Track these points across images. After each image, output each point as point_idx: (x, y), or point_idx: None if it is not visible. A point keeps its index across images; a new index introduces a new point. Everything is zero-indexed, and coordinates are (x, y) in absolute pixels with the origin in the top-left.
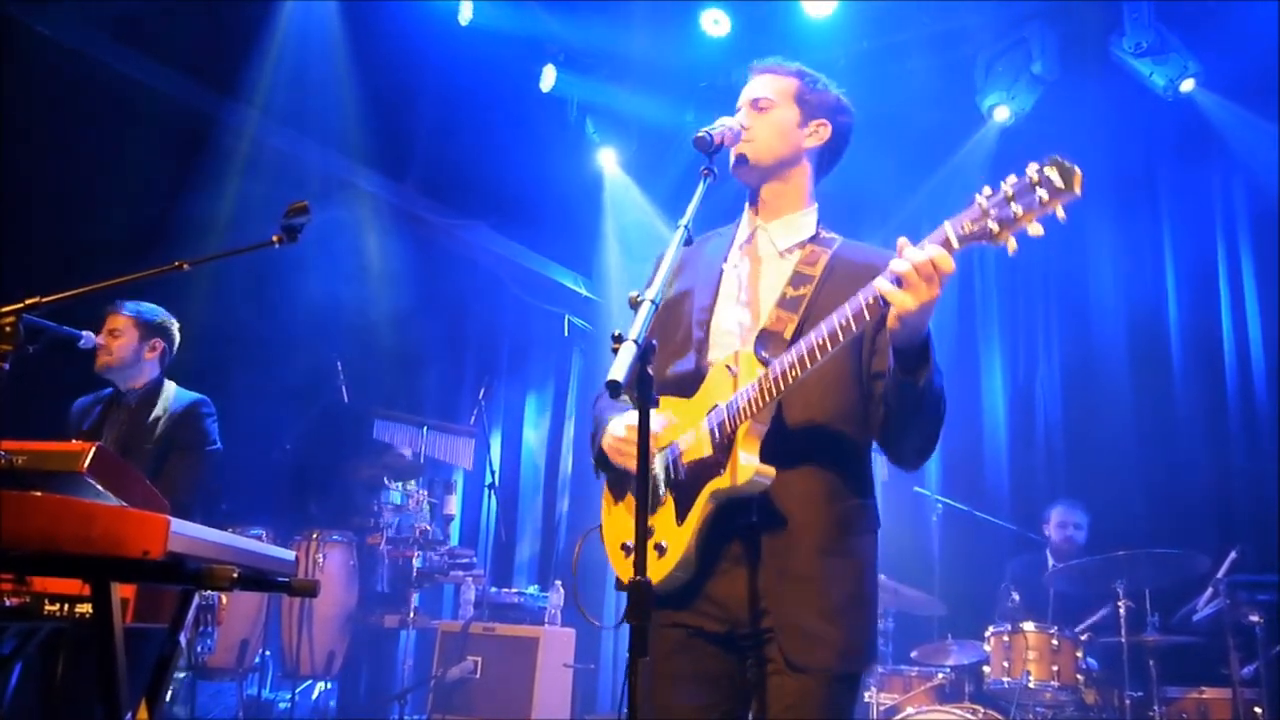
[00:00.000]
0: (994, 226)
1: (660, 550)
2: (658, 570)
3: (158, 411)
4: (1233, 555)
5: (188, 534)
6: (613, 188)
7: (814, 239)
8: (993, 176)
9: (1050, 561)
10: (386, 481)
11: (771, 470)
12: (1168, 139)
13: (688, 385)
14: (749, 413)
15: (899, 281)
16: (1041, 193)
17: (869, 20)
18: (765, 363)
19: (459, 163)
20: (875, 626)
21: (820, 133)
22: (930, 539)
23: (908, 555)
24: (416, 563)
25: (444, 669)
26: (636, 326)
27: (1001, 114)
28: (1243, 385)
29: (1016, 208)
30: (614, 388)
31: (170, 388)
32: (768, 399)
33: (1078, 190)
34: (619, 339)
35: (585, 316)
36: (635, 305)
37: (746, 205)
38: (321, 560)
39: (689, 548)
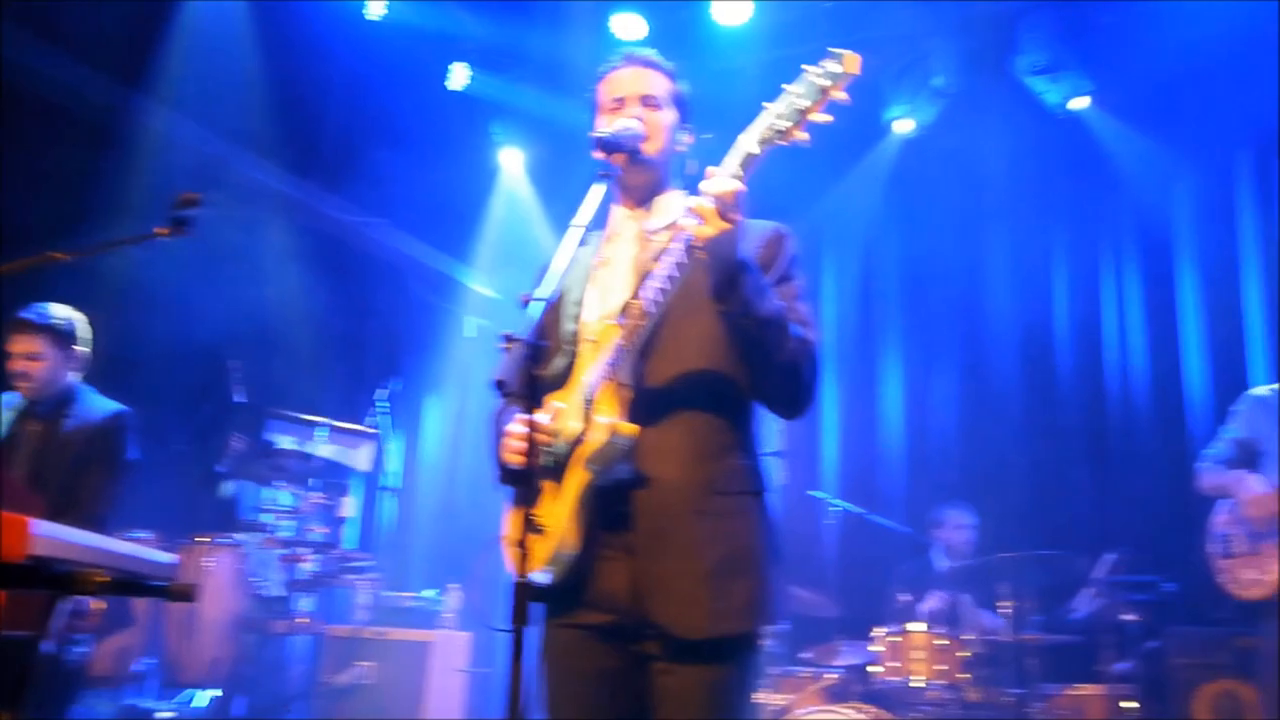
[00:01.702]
0: (785, 124)
1: (539, 530)
2: (541, 551)
3: (74, 421)
4: (1111, 557)
5: (53, 536)
6: (518, 188)
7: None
8: (894, 186)
9: (939, 563)
10: (279, 483)
11: (631, 427)
12: (1062, 155)
13: (566, 378)
14: (608, 373)
15: (699, 216)
16: (821, 80)
17: (779, 29)
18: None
19: (365, 159)
20: (764, 591)
21: (687, 139)
22: (825, 542)
23: (802, 558)
24: (309, 566)
25: (333, 675)
26: (525, 327)
27: (903, 126)
28: (1124, 397)
29: (802, 101)
30: (500, 388)
31: (85, 394)
32: (622, 356)
33: (852, 69)
34: (508, 340)
35: (490, 317)
36: (526, 305)
37: (618, 199)
38: (208, 564)
39: (568, 523)
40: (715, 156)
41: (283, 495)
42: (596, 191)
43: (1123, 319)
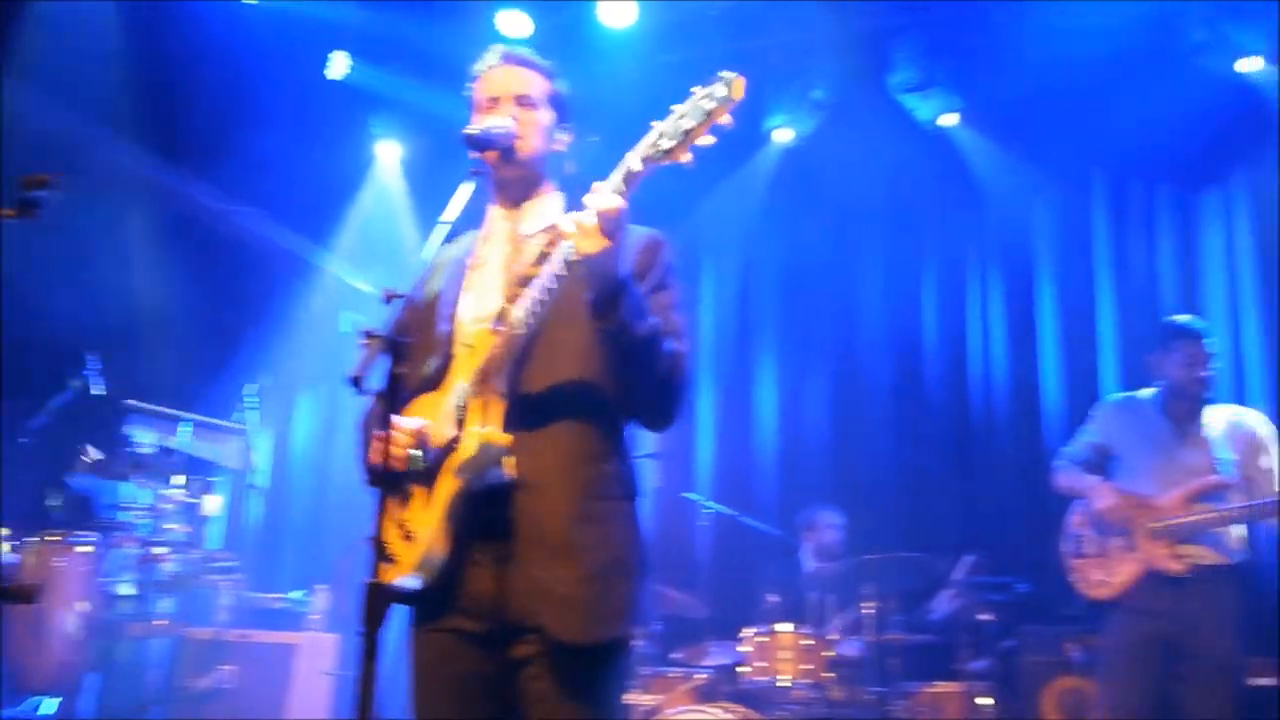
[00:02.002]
0: (670, 144)
1: (409, 538)
2: (410, 556)
3: None
4: (970, 559)
5: None
6: (392, 182)
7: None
8: (773, 194)
9: (807, 564)
10: (138, 479)
11: (504, 437)
12: (933, 170)
13: (438, 381)
14: (482, 381)
15: (581, 231)
16: (708, 103)
17: (665, 33)
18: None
19: (237, 145)
20: (638, 594)
21: (565, 139)
22: (697, 543)
23: (676, 559)
24: (169, 566)
25: (193, 678)
26: (385, 323)
27: (783, 136)
28: (986, 405)
29: (688, 122)
30: (355, 384)
31: None
32: (498, 365)
33: (738, 95)
34: (368, 336)
35: (365, 312)
36: (389, 301)
37: (494, 200)
38: (58, 563)
39: (436, 529)
40: (601, 159)
41: (142, 492)
42: (466, 190)
43: (986, 330)
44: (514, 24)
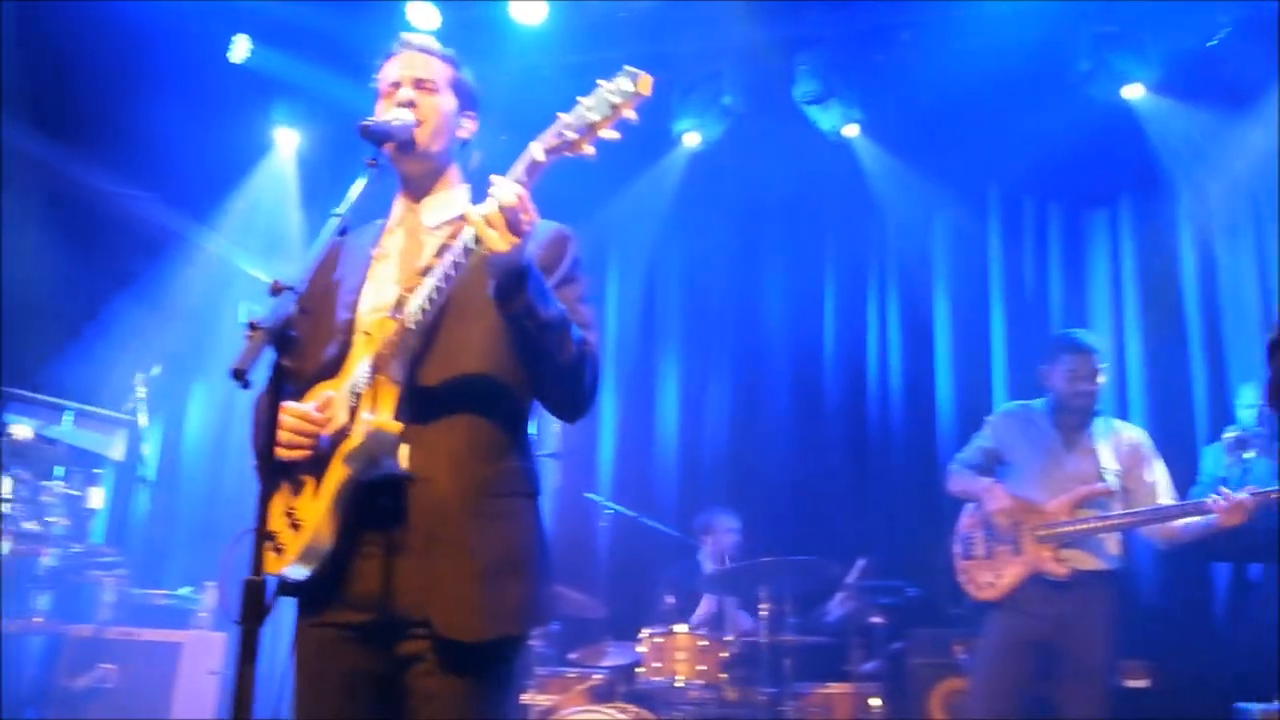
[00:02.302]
0: (574, 135)
1: (296, 527)
2: (294, 545)
3: None
4: (861, 562)
5: None
6: (288, 170)
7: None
8: (680, 197)
9: (704, 566)
10: (16, 470)
11: (395, 425)
12: (836, 180)
13: (335, 369)
14: (377, 369)
15: (488, 224)
16: (613, 97)
17: (576, 33)
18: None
19: (134, 129)
20: (536, 593)
21: (470, 126)
22: (598, 544)
23: (575, 559)
24: (47, 561)
25: (72, 677)
26: (272, 314)
27: (692, 139)
28: (882, 413)
29: (593, 115)
30: (238, 377)
31: None
32: (394, 351)
33: (644, 90)
34: (252, 327)
35: (264, 302)
36: (277, 293)
37: (399, 192)
38: None
39: (322, 518)
40: (510, 157)
41: (21, 484)
42: (362, 181)
43: (883, 339)
44: (424, 17)
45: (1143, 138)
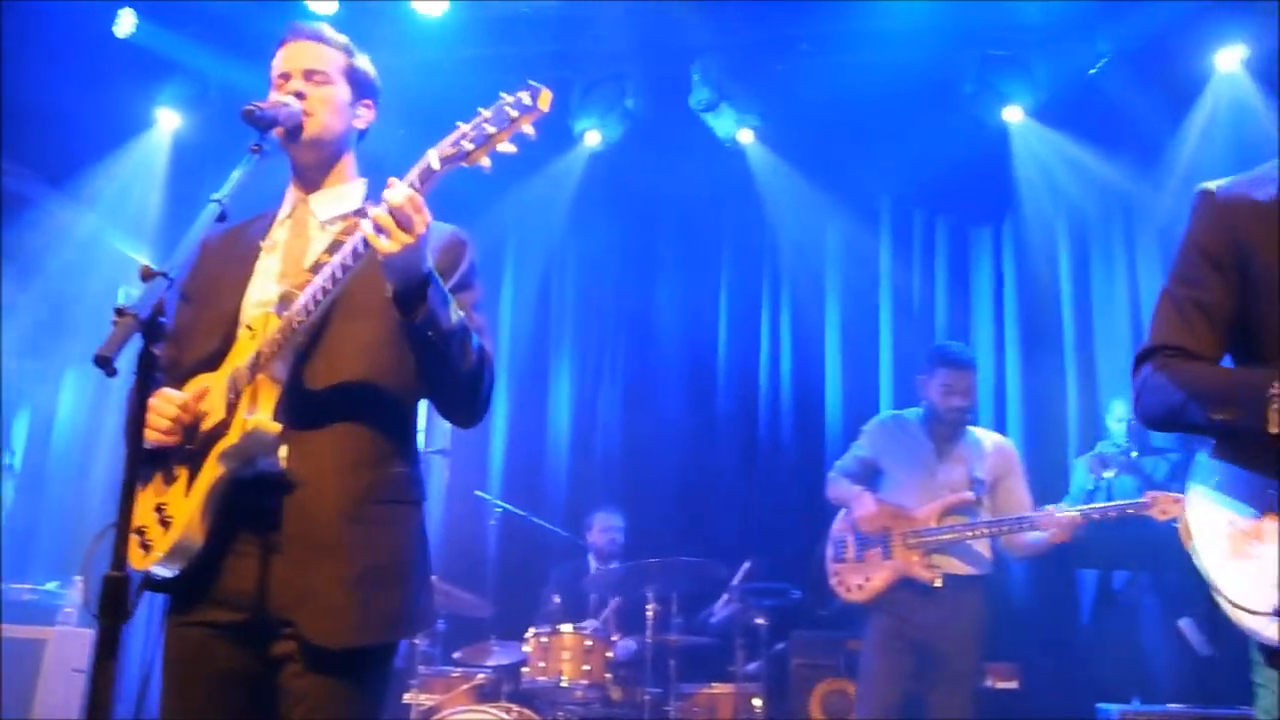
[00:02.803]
0: (470, 146)
1: (166, 523)
2: (163, 543)
3: None
4: (746, 565)
5: None
6: (166, 154)
7: (359, 211)
8: (580, 195)
9: (592, 565)
10: None
11: (274, 425)
12: (733, 187)
13: (217, 362)
14: (258, 366)
15: (379, 228)
16: (512, 111)
17: (478, 28)
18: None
19: (13, 108)
20: (412, 601)
21: (365, 115)
22: (487, 542)
23: (464, 558)
24: None
25: None
26: (141, 300)
27: (592, 139)
28: (771, 420)
29: (490, 127)
30: (102, 363)
31: None
32: (276, 350)
33: (544, 107)
34: (119, 313)
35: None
36: (148, 278)
37: (290, 182)
38: None
39: (193, 516)
40: (407, 149)
41: None
42: (244, 166)
43: (775, 345)
44: (322, 3)
45: (1025, 159)
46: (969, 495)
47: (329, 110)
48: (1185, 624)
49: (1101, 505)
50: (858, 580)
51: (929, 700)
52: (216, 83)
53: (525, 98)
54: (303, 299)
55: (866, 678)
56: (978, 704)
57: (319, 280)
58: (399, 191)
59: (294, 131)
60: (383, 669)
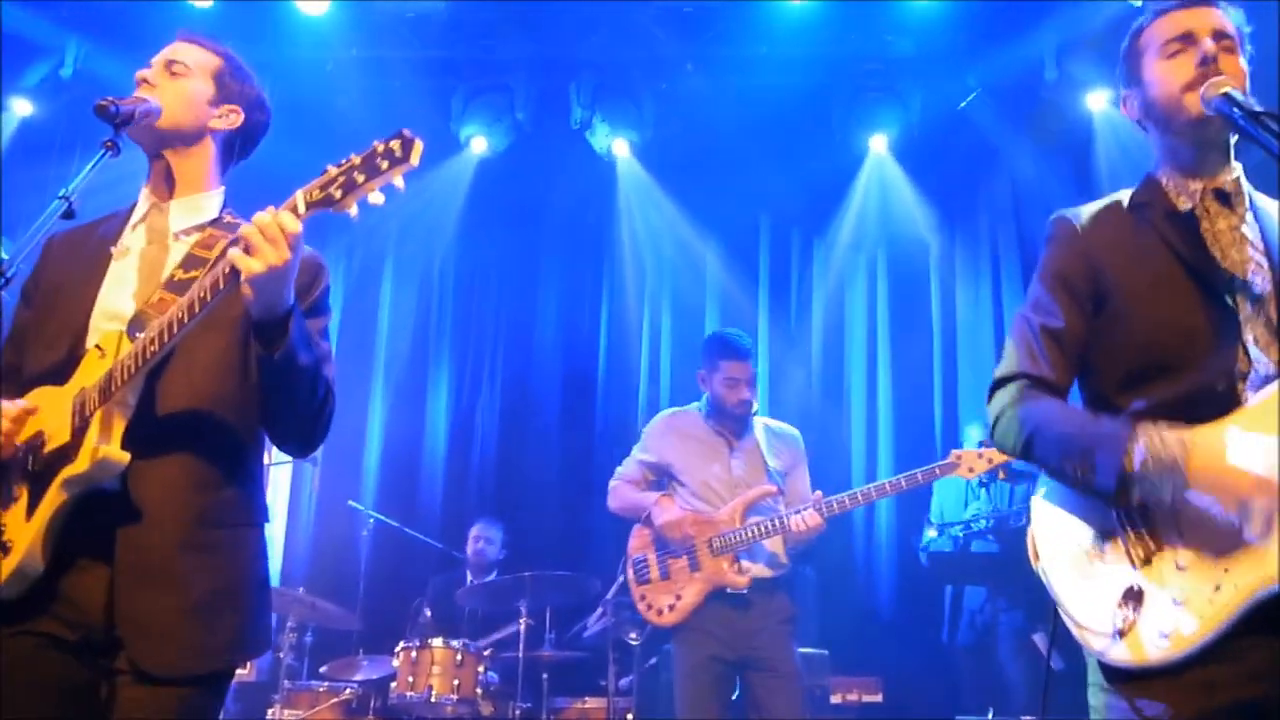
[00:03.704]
0: (338, 193)
1: (5, 548)
2: (3, 568)
3: None
4: (620, 578)
5: None
6: (37, 145)
7: (215, 222)
8: (470, 201)
9: (468, 578)
10: None
11: (123, 455)
12: (618, 201)
13: (63, 373)
14: (108, 393)
15: (248, 249)
16: (383, 163)
17: (360, 29)
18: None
19: None
20: (249, 625)
21: (230, 118)
22: (358, 553)
23: (333, 569)
24: None
25: None
26: None
27: (479, 145)
28: None
29: (360, 176)
30: None
31: None
32: (128, 377)
33: (414, 161)
34: None
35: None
36: None
37: (144, 183)
38: None
39: (34, 542)
40: (283, 154)
41: None
42: (94, 162)
43: (653, 358)
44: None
45: (897, 187)
46: (771, 488)
47: (179, 101)
48: (1039, 638)
49: (910, 472)
50: (668, 600)
51: (759, 705)
52: (89, 75)
53: (396, 148)
54: (157, 326)
55: (684, 705)
56: (812, 705)
57: (174, 311)
58: (265, 215)
59: (146, 129)
60: (215, 691)
